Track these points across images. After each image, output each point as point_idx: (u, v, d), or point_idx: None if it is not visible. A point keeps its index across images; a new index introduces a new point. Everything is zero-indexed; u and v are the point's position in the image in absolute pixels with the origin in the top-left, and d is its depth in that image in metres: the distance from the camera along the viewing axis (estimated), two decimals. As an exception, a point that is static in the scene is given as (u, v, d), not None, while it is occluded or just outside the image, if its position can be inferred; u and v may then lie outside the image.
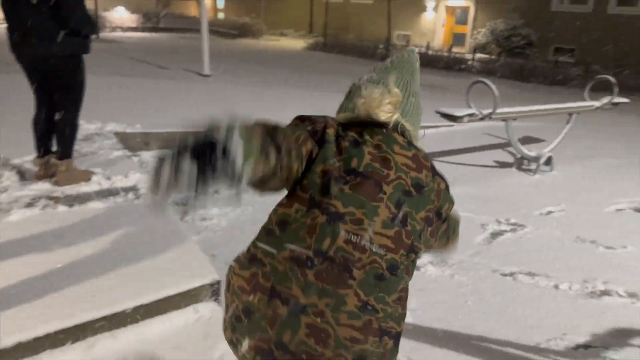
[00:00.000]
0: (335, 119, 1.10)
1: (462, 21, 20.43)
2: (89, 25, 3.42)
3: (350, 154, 1.01)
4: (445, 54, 17.45)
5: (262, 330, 1.00)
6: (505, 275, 3.33)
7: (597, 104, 5.86)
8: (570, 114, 5.77)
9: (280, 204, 1.05)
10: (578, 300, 3.06)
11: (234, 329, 1.06)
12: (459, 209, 4.47)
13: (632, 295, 3.14)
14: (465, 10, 20.22)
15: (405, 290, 1.10)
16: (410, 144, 1.12)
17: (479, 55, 17.29)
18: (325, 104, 9.18)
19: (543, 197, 4.84)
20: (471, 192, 4.90)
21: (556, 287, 3.21)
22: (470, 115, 4.73)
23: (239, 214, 4.02)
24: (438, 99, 9.41)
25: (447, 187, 1.17)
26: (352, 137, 1.05)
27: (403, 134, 1.12)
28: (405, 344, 2.55)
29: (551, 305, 3.01)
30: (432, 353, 2.48)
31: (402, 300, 1.09)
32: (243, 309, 1.03)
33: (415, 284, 3.12)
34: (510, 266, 3.44)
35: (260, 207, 4.22)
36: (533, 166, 5.62)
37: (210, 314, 2.38)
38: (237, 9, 28.29)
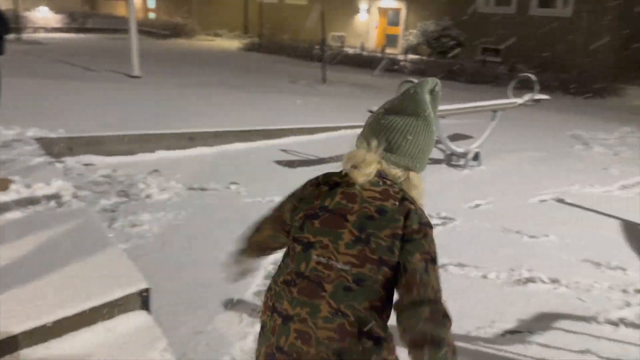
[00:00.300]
0: (318, 177, 1.34)
1: (395, 23, 20.93)
2: (3, 25, 3.21)
3: (326, 196, 1.27)
4: (379, 54, 17.81)
5: (268, 339, 1.27)
6: (437, 267, 3.43)
7: (519, 100, 6.17)
8: (495, 111, 6.05)
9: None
10: (505, 289, 3.20)
11: (258, 343, 1.36)
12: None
13: (554, 281, 3.33)
14: (397, 11, 20.75)
15: (382, 300, 1.21)
16: (385, 181, 1.24)
17: (411, 56, 17.77)
18: (260, 104, 9.14)
19: (471, 191, 5.04)
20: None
21: (484, 276, 3.35)
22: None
23: (171, 218, 3.91)
24: (372, 99, 9.56)
25: (415, 210, 1.23)
26: (332, 182, 1.29)
27: (386, 176, 1.25)
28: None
29: (480, 294, 3.13)
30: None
31: (378, 309, 1.20)
32: (261, 325, 1.34)
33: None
34: (442, 258, 3.52)
35: (195, 210, 4.12)
36: (462, 162, 5.84)
37: (139, 323, 2.29)
38: (168, 9, 27.54)
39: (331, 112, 8.25)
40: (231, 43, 21.59)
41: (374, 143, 1.24)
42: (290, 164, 5.58)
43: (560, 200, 4.94)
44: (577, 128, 8.38)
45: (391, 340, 1.27)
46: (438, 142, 6.68)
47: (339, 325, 1.18)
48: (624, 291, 3.25)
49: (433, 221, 4.18)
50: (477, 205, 4.69)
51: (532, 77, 6.14)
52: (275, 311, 1.26)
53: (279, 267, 1.33)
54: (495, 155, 6.34)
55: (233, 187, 4.70)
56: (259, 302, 2.87)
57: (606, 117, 9.79)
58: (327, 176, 1.33)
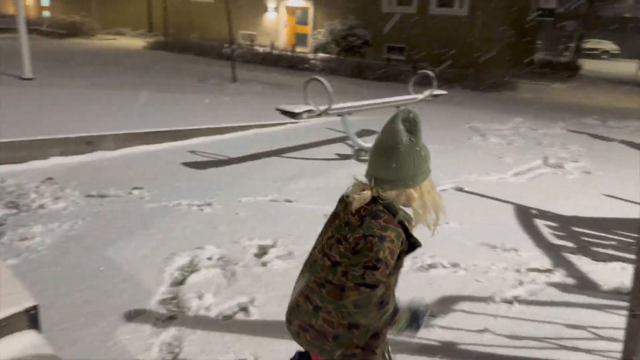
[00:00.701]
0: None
1: (303, 22, 21.10)
2: None
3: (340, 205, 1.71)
4: (289, 53, 17.86)
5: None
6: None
7: (420, 96, 6.45)
8: (397, 107, 6.26)
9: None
10: (409, 275, 3.31)
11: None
12: (306, 202, 4.55)
13: (454, 265, 3.50)
14: (305, 10, 20.91)
15: (325, 281, 1.55)
16: (374, 198, 1.54)
17: (320, 55, 17.99)
18: (166, 104, 8.79)
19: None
20: (315, 184, 5.06)
21: (392, 266, 3.45)
22: (309, 111, 4.87)
23: (67, 229, 3.65)
24: (282, 96, 9.57)
25: (362, 223, 1.51)
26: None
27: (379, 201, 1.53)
28: (251, 340, 2.54)
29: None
30: (280, 346, 2.49)
31: (320, 287, 1.57)
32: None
33: (262, 278, 3.14)
34: (352, 252, 3.61)
35: (93, 219, 3.88)
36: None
37: (28, 344, 2.10)
38: (65, 6, 25.78)
39: (242, 111, 8.14)
40: (135, 42, 20.65)
41: (369, 179, 1.58)
42: (199, 165, 5.43)
43: (460, 189, 5.22)
44: (474, 120, 8.90)
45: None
46: (346, 138, 6.84)
47: (302, 286, 1.69)
48: (517, 271, 3.49)
49: (342, 216, 4.30)
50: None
51: (430, 73, 6.44)
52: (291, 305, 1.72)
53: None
54: (401, 149, 6.57)
55: (136, 192, 4.48)
56: (164, 310, 2.76)
57: (501, 109, 10.50)
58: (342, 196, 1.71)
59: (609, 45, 34.48)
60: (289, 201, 4.54)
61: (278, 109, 4.88)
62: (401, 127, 1.52)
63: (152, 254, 3.37)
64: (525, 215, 4.59)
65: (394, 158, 1.50)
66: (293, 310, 1.65)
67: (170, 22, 20.87)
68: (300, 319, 1.61)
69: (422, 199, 1.54)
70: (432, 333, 2.70)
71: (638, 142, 7.95)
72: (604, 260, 3.72)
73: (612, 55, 33.98)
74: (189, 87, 10.32)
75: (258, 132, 7.17)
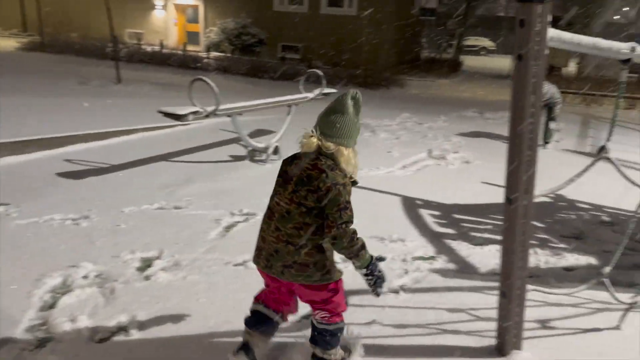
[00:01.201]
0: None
1: (194, 20, 20.47)
2: None
3: (285, 168, 2.15)
4: (180, 52, 17.24)
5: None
6: (237, 265, 3.39)
7: (311, 95, 6.49)
8: (289, 106, 6.26)
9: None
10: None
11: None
12: (196, 208, 4.37)
13: (345, 260, 3.53)
14: (195, 8, 20.30)
15: (304, 224, 2.00)
16: (318, 156, 2.02)
17: (214, 54, 17.57)
18: (41, 110, 8.06)
19: (273, 184, 5.13)
20: (208, 187, 4.90)
21: (284, 267, 3.41)
22: (195, 113, 4.69)
23: None
24: (172, 98, 9.21)
25: (326, 175, 1.96)
26: (291, 159, 2.15)
27: (323, 148, 2.02)
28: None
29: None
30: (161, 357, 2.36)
31: (299, 230, 2.00)
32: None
33: (144, 294, 2.95)
34: (243, 255, 3.52)
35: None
36: (264, 157, 5.93)
37: None
38: None
39: (127, 114, 7.69)
40: (7, 43, 18.76)
41: (316, 130, 2.01)
42: (76, 175, 5.02)
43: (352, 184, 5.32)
44: (365, 117, 9.12)
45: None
46: (239, 139, 6.72)
47: (277, 235, 2.05)
48: (404, 260, 3.62)
49: (235, 219, 4.19)
50: (277, 198, 4.80)
51: (319, 72, 6.51)
52: (258, 245, 2.17)
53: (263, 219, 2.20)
54: (294, 148, 6.56)
55: (1, 208, 4.04)
56: (31, 337, 2.50)
57: (390, 105, 10.93)
58: (293, 155, 2.17)
59: (486, 42, 37.33)
60: (178, 208, 4.35)
61: (161, 112, 4.65)
62: (349, 101, 2.05)
63: (20, 277, 3.04)
64: (412, 206, 4.79)
65: (339, 120, 2.01)
66: (272, 256, 2.07)
67: (46, 21, 19.25)
68: (283, 260, 2.05)
69: (348, 156, 2.05)
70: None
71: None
72: (481, 244, 3.98)
73: (489, 52, 36.87)
74: (68, 91, 9.56)
75: (145, 136, 6.81)
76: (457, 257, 3.75)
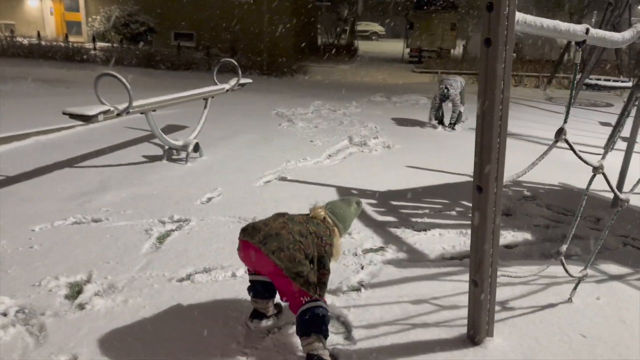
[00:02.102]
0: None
1: (74, 9, 18.77)
2: None
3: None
4: (62, 44, 15.70)
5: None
6: (182, 280, 3.07)
7: (227, 86, 6.15)
8: (205, 99, 5.88)
9: None
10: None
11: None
12: (118, 218, 3.90)
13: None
14: (74, -4, 18.59)
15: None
16: (320, 222, 2.53)
17: (100, 44, 16.24)
18: None
19: (199, 185, 4.78)
20: (127, 194, 4.43)
21: (233, 275, 3.15)
22: (105, 112, 4.19)
23: None
24: (64, 95, 8.32)
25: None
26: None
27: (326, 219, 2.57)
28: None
29: (232, 294, 2.92)
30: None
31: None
32: None
33: (82, 326, 2.55)
34: (186, 268, 3.21)
35: None
36: (183, 155, 5.52)
37: None
38: None
39: (13, 117, 6.79)
40: None
41: (326, 207, 2.60)
42: (-35, 191, 4.30)
43: (283, 179, 5.12)
44: (279, 106, 8.96)
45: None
46: (152, 136, 6.20)
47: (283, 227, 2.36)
48: (355, 254, 3.51)
49: (167, 227, 3.81)
50: (209, 199, 4.47)
51: (234, 62, 6.18)
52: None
53: None
54: (214, 143, 6.22)
55: None
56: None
57: (299, 93, 10.81)
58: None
59: (376, 27, 38.53)
60: (97, 221, 3.86)
61: (66, 113, 4.08)
62: (355, 204, 2.76)
63: None
64: (345, 194, 4.69)
65: (344, 210, 2.66)
66: (271, 237, 2.25)
67: None
68: (280, 243, 2.23)
69: (338, 239, 2.61)
70: (286, 337, 2.51)
71: (418, 115, 8.89)
72: (424, 230, 3.99)
73: (380, 36, 38.10)
74: None
75: (40, 140, 6.04)
76: (404, 245, 3.72)
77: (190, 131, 6.52)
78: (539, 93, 12.55)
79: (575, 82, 2.54)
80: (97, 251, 3.36)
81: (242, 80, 6.33)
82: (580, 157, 2.55)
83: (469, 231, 4.00)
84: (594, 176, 2.72)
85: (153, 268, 3.19)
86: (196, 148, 5.54)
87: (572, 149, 2.52)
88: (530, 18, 2.14)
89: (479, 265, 2.46)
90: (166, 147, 5.49)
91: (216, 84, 6.15)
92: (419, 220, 4.20)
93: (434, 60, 18.51)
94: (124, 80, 4.25)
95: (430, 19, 20.46)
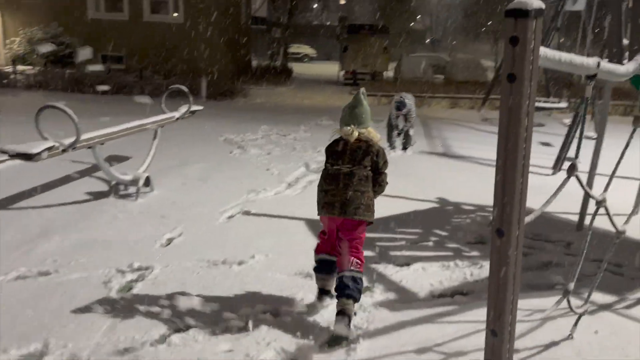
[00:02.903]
0: (332, 142, 3.02)
1: (-11, 29, 17.31)
2: None
3: (335, 148, 2.93)
4: (-23, 67, 14.38)
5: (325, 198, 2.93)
6: (156, 343, 2.66)
7: (177, 114, 5.74)
8: (155, 129, 5.43)
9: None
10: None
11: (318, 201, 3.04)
12: (69, 270, 3.40)
13: (275, 312, 3.04)
14: (-11, 15, 17.19)
15: (364, 177, 2.88)
16: (360, 138, 2.91)
17: (21, 67, 15.04)
18: None
19: (156, 225, 4.34)
20: (75, 240, 3.91)
21: (213, 333, 2.79)
22: (50, 149, 3.70)
23: None
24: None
25: (373, 144, 2.94)
26: (337, 141, 2.96)
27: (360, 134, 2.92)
28: None
29: (215, 357, 2.56)
30: None
31: (361, 181, 2.85)
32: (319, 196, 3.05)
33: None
34: (158, 327, 2.80)
35: None
36: (132, 190, 5.04)
37: None
38: None
39: None
40: None
41: (353, 125, 2.89)
42: None
43: (247, 213, 4.78)
44: (226, 132, 8.58)
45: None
46: (93, 169, 5.67)
47: (353, 193, 2.84)
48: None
49: (127, 277, 3.35)
50: (170, 241, 4.04)
51: (184, 88, 5.79)
52: (324, 197, 2.92)
53: (319, 183, 3.02)
54: (163, 175, 5.75)
55: None
56: None
57: (244, 117, 10.47)
58: (335, 140, 2.99)
59: (308, 50, 38.90)
60: (45, 274, 3.35)
61: (4, 151, 3.54)
62: (361, 96, 2.97)
63: None
64: (317, 230, 4.42)
65: (362, 112, 2.93)
66: (345, 203, 2.82)
67: None
68: (355, 204, 2.81)
69: (374, 131, 2.97)
70: None
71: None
72: (406, 264, 3.81)
73: (311, 58, 38.47)
74: None
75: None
76: (390, 283, 3.51)
77: (134, 162, 6.04)
78: (474, 114, 12.99)
79: (581, 113, 2.46)
80: (52, 312, 2.87)
81: (194, 108, 5.94)
82: (587, 192, 2.47)
83: (451, 264, 3.90)
84: (597, 210, 2.64)
85: (120, 329, 2.76)
86: (147, 182, 5.08)
87: (581, 185, 2.43)
88: (550, 52, 2.03)
89: (499, 314, 2.28)
90: (113, 182, 4.98)
91: (165, 112, 5.71)
92: (398, 253, 4.01)
93: (369, 83, 18.79)
94: (70, 112, 3.78)
95: (364, 42, 20.86)
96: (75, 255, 3.65)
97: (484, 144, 8.79)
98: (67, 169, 5.76)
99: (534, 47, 1.91)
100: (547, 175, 6.76)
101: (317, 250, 3.11)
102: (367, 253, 3.95)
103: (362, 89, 3.02)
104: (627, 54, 3.99)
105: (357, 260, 2.88)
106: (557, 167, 6.70)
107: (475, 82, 19.13)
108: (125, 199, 4.96)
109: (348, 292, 2.77)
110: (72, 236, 3.99)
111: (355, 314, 2.88)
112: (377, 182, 2.94)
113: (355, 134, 2.87)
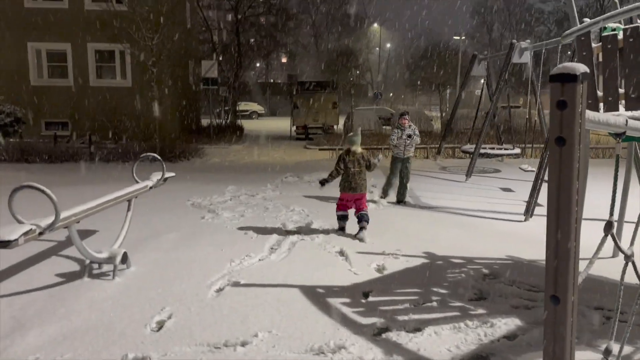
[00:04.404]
0: (343, 149, 6.53)
1: None
2: None
3: (348, 157, 6.17)
4: None
5: (349, 190, 6.21)
6: None
7: (150, 183, 5.43)
8: (128, 200, 5.09)
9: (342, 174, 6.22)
10: None
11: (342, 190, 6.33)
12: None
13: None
14: None
15: (364, 171, 6.21)
16: (359, 152, 6.22)
17: (-41, 138, 14.10)
18: None
19: (141, 307, 3.96)
20: (55, 332, 3.48)
21: None
22: (27, 233, 3.32)
23: None
24: None
25: (364, 154, 6.25)
26: (346, 152, 6.22)
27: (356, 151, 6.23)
28: None
29: None
30: None
31: (363, 174, 6.18)
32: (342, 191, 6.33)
33: None
34: None
35: None
36: (107, 268, 4.63)
37: None
38: None
39: None
40: None
41: (357, 145, 6.24)
42: None
43: (236, 284, 4.48)
44: (192, 196, 8.24)
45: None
46: (59, 247, 5.21)
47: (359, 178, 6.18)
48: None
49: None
50: (161, 324, 3.67)
51: (156, 156, 5.53)
52: (351, 185, 6.13)
53: (342, 179, 6.21)
54: (137, 248, 5.36)
55: None
56: None
57: (207, 179, 10.17)
58: (347, 152, 6.17)
59: (255, 107, 39.23)
60: (27, 378, 2.91)
61: None
62: (359, 132, 6.43)
63: None
64: (316, 297, 4.20)
65: (357, 140, 6.23)
66: (359, 185, 6.09)
67: None
68: (362, 186, 6.14)
69: (360, 149, 6.25)
70: None
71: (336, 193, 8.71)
72: (417, 330, 3.63)
73: (259, 115, 38.76)
74: None
75: None
76: (409, 353, 3.31)
77: (102, 237, 5.63)
78: (431, 163, 13.28)
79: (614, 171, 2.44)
80: None
81: (167, 175, 5.65)
82: (618, 247, 2.42)
83: (461, 325, 3.75)
84: (626, 264, 2.60)
85: None
86: (124, 259, 4.68)
87: (616, 243, 2.38)
88: (591, 114, 2.01)
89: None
90: (87, 261, 4.56)
91: (137, 182, 5.39)
92: (406, 317, 3.83)
93: (324, 137, 19.01)
94: (48, 192, 3.44)
95: (313, 98, 21.29)
96: (59, 349, 3.23)
97: (450, 193, 8.93)
98: (31, 248, 5.24)
99: (582, 111, 1.89)
100: (519, 221, 6.87)
101: (339, 209, 6.26)
102: (371, 319, 3.80)
103: (360, 128, 6.80)
104: (601, 104, 4.16)
105: (366, 207, 6.21)
106: (528, 212, 6.82)
107: (421, 131, 19.74)
108: (101, 279, 4.54)
109: (365, 219, 6.04)
110: (50, 327, 3.54)
111: (365, 228, 6.02)
112: (370, 167, 6.18)
113: (359, 149, 6.18)
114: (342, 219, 6.20)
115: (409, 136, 7.88)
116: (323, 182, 6.28)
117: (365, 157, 6.12)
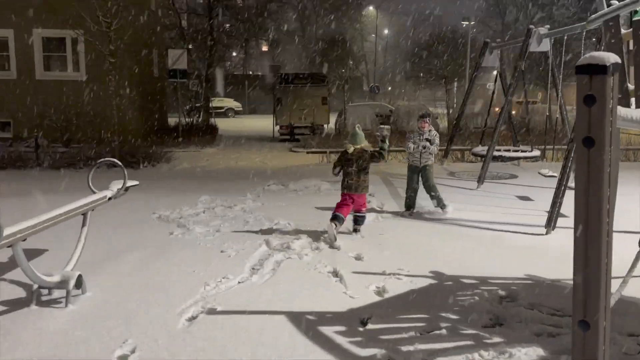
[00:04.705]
0: (345, 148, 7.26)
1: None
2: None
3: (347, 155, 7.12)
4: None
5: (349, 189, 7.11)
6: None
7: (110, 193, 5.40)
8: (83, 214, 5.06)
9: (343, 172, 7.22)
10: None
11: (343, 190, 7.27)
12: None
13: None
14: None
15: (365, 170, 7.12)
16: (360, 147, 7.13)
17: None
18: None
19: (100, 339, 3.93)
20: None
21: None
22: (-37, 253, 3.28)
23: None
24: None
25: (367, 150, 7.13)
26: (346, 150, 7.15)
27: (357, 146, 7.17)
28: None
29: None
30: None
31: (363, 174, 7.08)
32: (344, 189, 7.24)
33: None
34: None
35: None
36: (59, 294, 4.59)
37: None
38: None
39: None
40: None
41: (356, 143, 7.08)
42: None
43: (211, 311, 4.46)
44: (158, 208, 8.21)
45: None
46: (3, 270, 5.15)
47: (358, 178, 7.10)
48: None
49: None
50: (125, 358, 3.65)
51: (118, 162, 5.52)
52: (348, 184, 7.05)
53: (344, 176, 7.15)
54: (93, 270, 5.31)
55: None
56: None
57: (175, 188, 10.17)
58: (346, 150, 7.10)
59: (232, 103, 39.26)
60: None
61: None
62: (359, 130, 7.22)
63: None
64: (307, 325, 4.19)
65: (359, 138, 7.07)
66: (359, 185, 6.96)
67: None
68: (362, 186, 7.00)
69: (365, 143, 7.12)
70: None
71: (327, 203, 8.70)
72: (425, 361, 3.64)
73: (236, 112, 38.79)
74: None
75: None
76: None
77: (52, 257, 5.58)
78: (437, 168, 13.36)
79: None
80: None
81: (130, 183, 5.63)
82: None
83: (475, 355, 3.78)
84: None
85: None
86: (79, 283, 4.65)
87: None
88: (623, 110, 2.05)
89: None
90: (35, 286, 4.52)
91: (94, 192, 5.35)
92: (411, 348, 3.84)
93: (312, 138, 19.04)
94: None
95: (300, 93, 21.18)
96: (1, 393, 3.19)
97: (460, 202, 8.99)
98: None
99: (613, 107, 1.92)
100: (540, 234, 6.93)
101: (336, 210, 6.81)
102: (372, 350, 3.81)
103: (359, 125, 7.65)
104: (632, 99, 4.24)
105: (364, 208, 7.16)
106: (550, 224, 6.89)
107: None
108: (52, 307, 4.50)
109: (361, 220, 7.11)
110: (-7, 366, 3.50)
111: (359, 230, 7.08)
112: (382, 157, 7.24)
113: (358, 147, 6.96)
114: (336, 218, 6.76)
115: (428, 140, 7.96)
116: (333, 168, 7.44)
117: (367, 152, 7.00)
